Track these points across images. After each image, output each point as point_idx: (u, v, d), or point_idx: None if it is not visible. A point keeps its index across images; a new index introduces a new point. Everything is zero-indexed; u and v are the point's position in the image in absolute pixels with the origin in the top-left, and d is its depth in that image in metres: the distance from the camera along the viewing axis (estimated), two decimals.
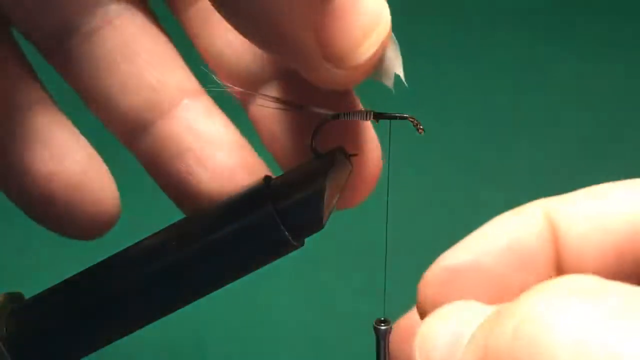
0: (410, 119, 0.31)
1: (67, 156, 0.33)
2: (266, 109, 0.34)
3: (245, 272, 0.32)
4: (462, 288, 0.29)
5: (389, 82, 0.29)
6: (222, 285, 0.32)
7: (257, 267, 0.32)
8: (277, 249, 0.31)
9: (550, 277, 0.27)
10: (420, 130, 0.31)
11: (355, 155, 0.33)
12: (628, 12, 1.11)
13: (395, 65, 0.29)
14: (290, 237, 0.30)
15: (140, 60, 0.34)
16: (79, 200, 0.33)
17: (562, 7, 1.16)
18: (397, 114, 0.31)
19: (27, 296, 0.35)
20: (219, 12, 0.27)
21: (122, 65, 0.33)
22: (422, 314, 0.29)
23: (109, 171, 0.35)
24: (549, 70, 1.05)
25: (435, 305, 0.27)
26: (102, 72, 0.33)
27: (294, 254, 0.31)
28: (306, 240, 0.31)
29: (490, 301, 0.26)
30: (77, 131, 0.35)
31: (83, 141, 0.35)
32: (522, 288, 0.25)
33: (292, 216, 0.30)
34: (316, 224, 0.30)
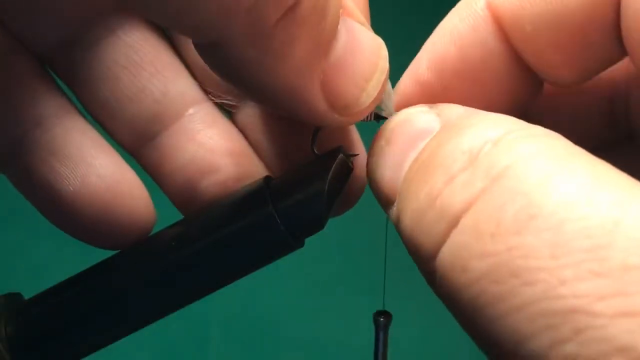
0: None
1: (92, 171, 0.32)
2: (252, 117, 0.34)
3: (245, 272, 0.32)
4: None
5: (388, 114, 0.30)
6: (222, 285, 0.32)
7: (257, 267, 0.32)
8: (277, 249, 0.31)
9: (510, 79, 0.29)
10: None
11: (356, 155, 0.33)
12: None
13: (392, 98, 0.30)
14: (290, 238, 0.30)
15: (143, 72, 0.33)
16: (108, 215, 0.32)
17: None
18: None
19: (27, 296, 0.35)
20: (221, 77, 0.27)
21: (124, 76, 0.33)
22: None
23: (139, 179, 0.34)
24: None
25: None
26: (105, 83, 0.33)
27: (294, 254, 0.31)
28: (306, 240, 0.31)
29: None
30: (102, 140, 0.34)
31: (109, 150, 0.33)
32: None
33: (292, 216, 0.30)
34: (316, 225, 0.30)
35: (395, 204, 0.26)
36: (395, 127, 0.28)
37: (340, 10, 0.26)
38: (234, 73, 0.26)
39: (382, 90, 0.28)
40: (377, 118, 0.31)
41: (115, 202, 0.32)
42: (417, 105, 0.28)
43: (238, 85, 0.27)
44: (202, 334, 0.93)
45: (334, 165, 0.30)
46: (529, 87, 0.30)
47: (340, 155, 0.30)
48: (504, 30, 0.28)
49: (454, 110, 0.27)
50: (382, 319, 0.33)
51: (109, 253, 0.34)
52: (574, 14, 0.26)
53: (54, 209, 0.32)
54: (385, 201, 0.27)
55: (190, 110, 0.34)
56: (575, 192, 0.20)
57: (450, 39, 0.29)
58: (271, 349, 0.94)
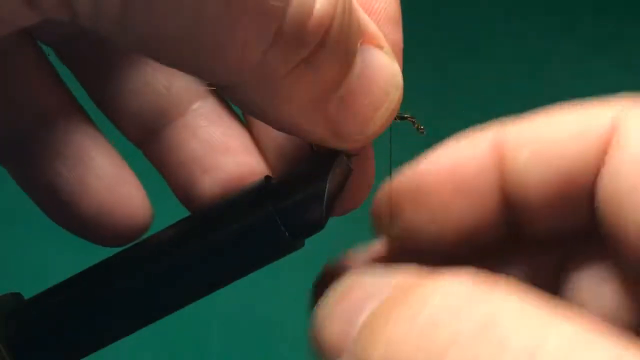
0: (411, 120, 0.31)
1: (90, 172, 0.33)
2: None
3: (245, 273, 0.32)
4: (406, 211, 0.30)
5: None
6: (222, 286, 0.32)
7: (257, 268, 0.31)
8: (277, 249, 0.31)
9: (491, 205, 0.29)
10: (421, 131, 0.31)
11: (356, 155, 0.33)
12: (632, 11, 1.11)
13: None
14: (290, 238, 0.30)
15: (146, 66, 0.33)
16: (107, 214, 0.33)
17: (565, 6, 1.16)
18: (397, 115, 0.31)
19: (27, 296, 0.35)
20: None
21: (129, 70, 0.33)
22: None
23: (137, 179, 0.34)
24: (553, 70, 1.05)
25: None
26: (110, 76, 0.33)
27: (294, 254, 0.31)
28: (306, 240, 0.31)
29: (434, 223, 0.29)
30: (103, 139, 0.34)
31: (109, 150, 0.34)
32: (464, 214, 0.29)
33: (293, 216, 0.30)
34: (317, 225, 0.30)
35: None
36: (345, 289, 0.27)
37: (359, 41, 0.25)
38: (244, 107, 0.28)
39: (390, 119, 0.28)
40: (402, 118, 0.31)
41: (113, 201, 0.33)
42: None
43: (248, 113, 0.29)
44: (202, 334, 0.93)
45: (334, 165, 0.30)
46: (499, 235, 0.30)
47: (341, 155, 0.30)
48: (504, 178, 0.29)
49: (408, 272, 0.25)
50: None
51: (109, 253, 0.34)
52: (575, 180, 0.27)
53: (53, 206, 0.33)
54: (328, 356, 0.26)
55: (195, 106, 0.34)
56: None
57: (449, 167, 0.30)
58: (271, 350, 0.94)
